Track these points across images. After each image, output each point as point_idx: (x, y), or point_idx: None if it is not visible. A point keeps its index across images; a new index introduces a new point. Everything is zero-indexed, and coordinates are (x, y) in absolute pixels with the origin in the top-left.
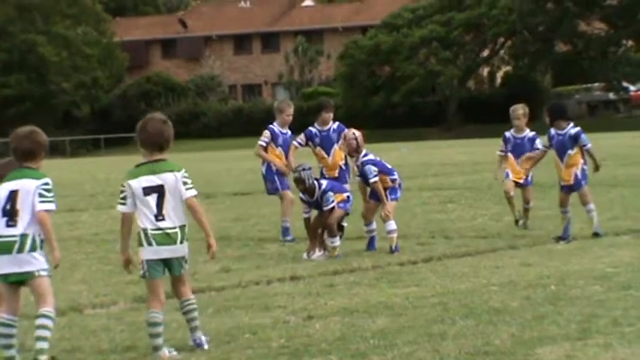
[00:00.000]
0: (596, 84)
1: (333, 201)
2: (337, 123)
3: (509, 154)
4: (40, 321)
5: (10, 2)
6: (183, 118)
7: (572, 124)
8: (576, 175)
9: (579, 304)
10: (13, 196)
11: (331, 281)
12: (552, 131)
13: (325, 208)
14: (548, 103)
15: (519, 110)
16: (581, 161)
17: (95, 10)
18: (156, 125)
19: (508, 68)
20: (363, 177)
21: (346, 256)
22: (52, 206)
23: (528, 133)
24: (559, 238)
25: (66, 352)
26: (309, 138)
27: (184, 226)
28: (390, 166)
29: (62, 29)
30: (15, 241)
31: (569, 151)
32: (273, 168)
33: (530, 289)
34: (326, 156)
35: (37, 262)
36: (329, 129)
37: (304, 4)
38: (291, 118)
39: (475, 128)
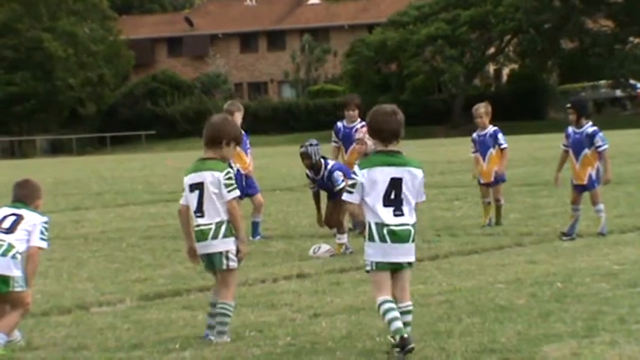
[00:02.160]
0: (603, 81)
1: (343, 181)
2: (362, 122)
3: (477, 154)
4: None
5: None
6: (189, 117)
7: (590, 123)
8: (590, 176)
9: (585, 301)
10: None
11: (338, 279)
12: (569, 129)
13: (336, 189)
14: (571, 99)
15: (481, 109)
16: (597, 162)
17: (101, 8)
18: (218, 122)
19: (514, 66)
20: None
21: (353, 254)
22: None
23: (490, 129)
24: (563, 234)
25: (72, 350)
26: (336, 132)
27: (222, 222)
28: None
29: (68, 26)
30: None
31: (586, 151)
32: (242, 172)
33: (536, 286)
34: (344, 153)
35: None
36: (352, 127)
37: (310, 2)
38: (240, 120)
39: None
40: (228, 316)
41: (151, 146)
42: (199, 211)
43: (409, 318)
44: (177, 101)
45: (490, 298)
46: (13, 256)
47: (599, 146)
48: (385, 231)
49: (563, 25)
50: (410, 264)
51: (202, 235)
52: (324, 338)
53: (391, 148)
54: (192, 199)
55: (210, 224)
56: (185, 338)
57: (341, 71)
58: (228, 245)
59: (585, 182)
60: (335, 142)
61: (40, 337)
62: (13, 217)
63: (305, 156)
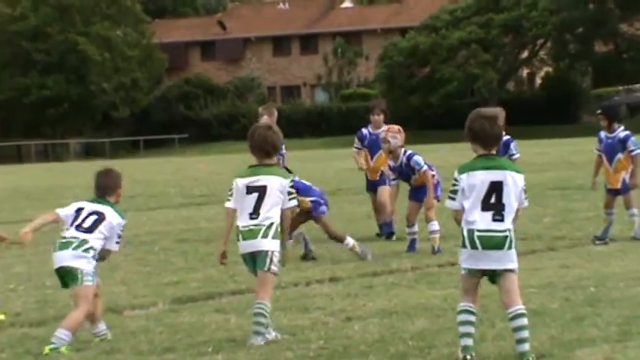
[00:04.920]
0: (637, 85)
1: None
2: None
3: None
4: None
5: (49, 3)
6: (223, 120)
7: (622, 128)
8: (624, 180)
9: (619, 305)
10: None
11: (370, 283)
12: (602, 134)
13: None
14: (601, 105)
15: None
16: (630, 166)
17: (134, 11)
18: (262, 133)
19: (548, 69)
20: (406, 173)
21: (385, 258)
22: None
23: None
24: (596, 238)
25: (105, 353)
26: (360, 139)
27: (273, 224)
28: (429, 163)
29: (102, 30)
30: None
31: (619, 155)
32: None
33: (569, 290)
34: (370, 159)
35: None
36: (379, 133)
37: (343, 5)
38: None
39: (514, 130)
40: (265, 316)
41: (184, 150)
42: (255, 212)
43: (520, 322)
44: (210, 105)
45: (523, 302)
46: (86, 250)
47: (632, 150)
48: (476, 237)
49: (596, 28)
50: (509, 270)
51: (251, 234)
52: (356, 342)
53: (492, 152)
54: (247, 200)
55: (262, 224)
56: (217, 341)
57: (374, 75)
58: (274, 246)
59: (619, 186)
60: (357, 147)
61: (73, 339)
62: (95, 217)
63: None
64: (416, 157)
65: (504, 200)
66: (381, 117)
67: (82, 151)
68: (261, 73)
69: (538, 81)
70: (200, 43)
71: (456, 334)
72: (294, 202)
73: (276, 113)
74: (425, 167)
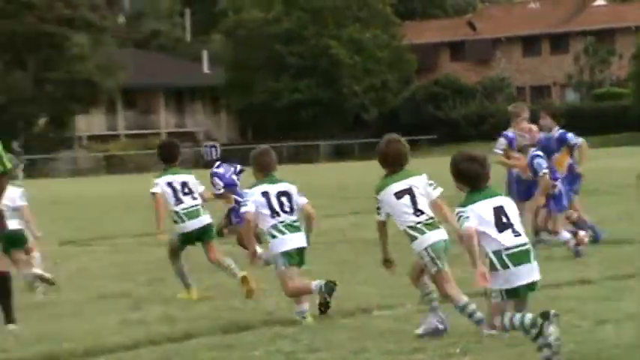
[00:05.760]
0: None
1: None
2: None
3: None
4: None
5: (303, 7)
6: (472, 120)
7: None
8: None
9: None
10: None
11: (623, 285)
12: None
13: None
14: None
15: None
16: None
17: (385, 14)
18: (396, 147)
19: None
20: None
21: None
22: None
23: None
24: None
25: (353, 353)
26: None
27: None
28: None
29: (354, 33)
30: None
31: None
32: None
33: None
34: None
35: None
36: (551, 136)
37: (595, 3)
38: (525, 122)
39: None
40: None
41: (430, 150)
42: (418, 211)
43: None
44: (458, 105)
45: None
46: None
47: None
48: (505, 255)
49: None
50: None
51: (433, 227)
52: (608, 346)
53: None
54: (402, 205)
55: (433, 218)
56: (466, 343)
57: (627, 74)
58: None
59: None
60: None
61: (323, 339)
62: (286, 197)
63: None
64: (538, 160)
65: (512, 220)
66: (547, 120)
67: (331, 153)
68: (511, 74)
69: None
70: (449, 44)
71: None
72: (440, 190)
73: (527, 112)
74: (544, 171)
